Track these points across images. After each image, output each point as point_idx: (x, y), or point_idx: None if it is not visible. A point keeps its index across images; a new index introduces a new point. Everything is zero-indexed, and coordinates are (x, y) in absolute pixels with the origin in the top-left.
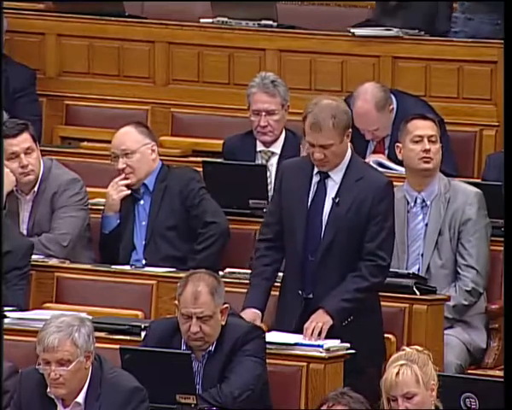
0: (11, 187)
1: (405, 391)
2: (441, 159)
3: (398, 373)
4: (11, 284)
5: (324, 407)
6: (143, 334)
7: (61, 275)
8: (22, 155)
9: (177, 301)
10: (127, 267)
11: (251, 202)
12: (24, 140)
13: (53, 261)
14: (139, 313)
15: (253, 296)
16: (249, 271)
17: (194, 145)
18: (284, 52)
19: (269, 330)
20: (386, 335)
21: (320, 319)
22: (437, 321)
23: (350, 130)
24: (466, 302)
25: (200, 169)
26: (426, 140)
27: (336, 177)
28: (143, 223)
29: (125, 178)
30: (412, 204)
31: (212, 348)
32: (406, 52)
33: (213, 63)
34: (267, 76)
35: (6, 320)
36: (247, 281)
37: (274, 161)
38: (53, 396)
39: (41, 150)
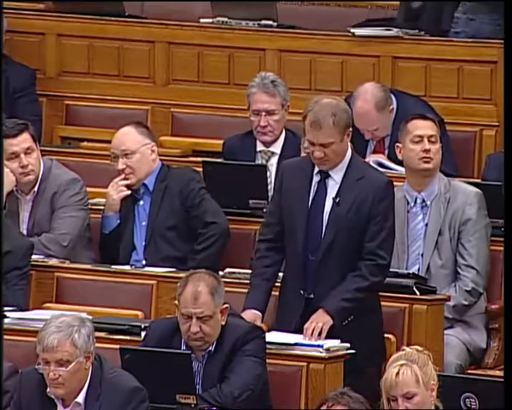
0: (11, 187)
1: (405, 391)
2: (441, 159)
3: (398, 373)
4: (11, 284)
5: (324, 407)
6: (143, 334)
7: (61, 275)
8: (22, 155)
9: (177, 301)
10: (127, 267)
11: (251, 202)
12: (24, 140)
13: (53, 261)
14: (139, 313)
15: (254, 297)
16: (249, 271)
17: (194, 145)
18: (284, 52)
19: (269, 330)
20: (386, 335)
21: (320, 319)
22: (437, 321)
23: (350, 129)
24: (466, 302)
25: (200, 169)
26: (426, 140)
27: (337, 176)
28: (143, 223)
29: (125, 179)
30: (412, 204)
31: (212, 348)
32: (406, 52)
33: (213, 63)
34: (267, 76)
35: (6, 320)
36: (247, 281)
37: (274, 161)
38: (53, 396)
39: (41, 150)
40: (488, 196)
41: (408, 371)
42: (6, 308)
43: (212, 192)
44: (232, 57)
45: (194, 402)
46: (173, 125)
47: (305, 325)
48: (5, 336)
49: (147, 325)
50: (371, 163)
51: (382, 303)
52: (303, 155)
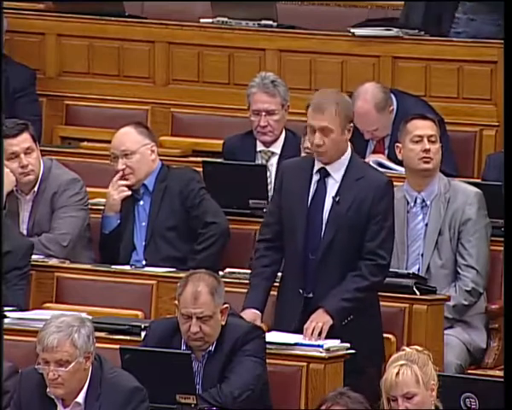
0: (11, 187)
1: (405, 391)
2: (441, 159)
3: (398, 373)
4: (11, 284)
5: (323, 407)
6: (143, 334)
7: (61, 275)
8: (22, 155)
9: (177, 301)
10: (127, 267)
11: (251, 202)
12: (24, 140)
13: (53, 261)
14: (139, 313)
15: (253, 297)
16: (249, 271)
17: (194, 145)
18: (284, 52)
19: (269, 330)
20: (386, 335)
21: (320, 319)
22: (437, 321)
23: (351, 125)
24: (466, 302)
25: (200, 169)
26: (426, 140)
27: (336, 175)
28: (143, 223)
29: (125, 179)
30: (412, 204)
31: (212, 348)
32: (406, 52)
33: (213, 63)
34: (267, 76)
35: (6, 320)
36: (247, 281)
37: (274, 161)
38: (53, 396)
39: (41, 150)
40: (488, 196)
41: (408, 371)
42: (6, 308)
43: (212, 192)
44: (232, 57)
45: (194, 402)
46: (173, 125)
47: (305, 325)
48: (5, 336)
49: (147, 325)
50: (371, 163)
51: (382, 303)
52: (303, 155)
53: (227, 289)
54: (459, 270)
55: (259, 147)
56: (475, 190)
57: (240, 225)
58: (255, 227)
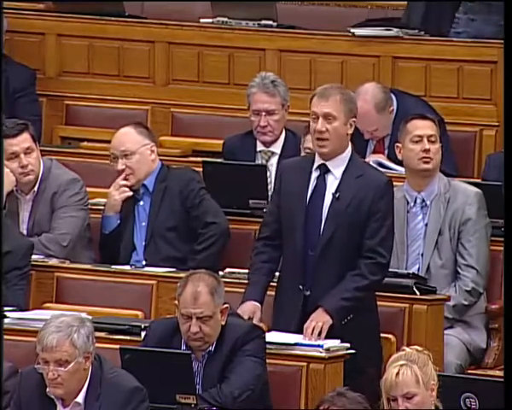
0: (11, 187)
1: (405, 391)
2: (441, 159)
3: (398, 373)
4: (11, 284)
5: (321, 408)
6: (143, 334)
7: (61, 275)
8: (22, 155)
9: (176, 302)
10: (127, 267)
11: (251, 202)
12: (24, 140)
13: (53, 261)
14: (139, 313)
15: (253, 290)
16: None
17: (194, 145)
18: (284, 52)
19: (269, 330)
20: (386, 335)
21: (320, 319)
22: (437, 321)
23: (354, 119)
24: (466, 302)
25: (200, 169)
26: (425, 140)
27: (337, 172)
28: (143, 223)
29: (125, 179)
30: (412, 204)
31: (212, 349)
32: (406, 52)
33: (213, 63)
34: (267, 76)
35: (6, 320)
36: (247, 281)
37: (274, 161)
38: (52, 396)
39: (41, 150)
40: (488, 196)
41: (408, 371)
42: (6, 308)
43: (212, 192)
44: (232, 57)
45: (194, 402)
46: (173, 125)
47: (305, 325)
48: (5, 336)
49: (147, 325)
50: (371, 163)
51: (382, 303)
52: (303, 154)
53: (227, 289)
54: (459, 270)
55: (259, 147)
56: (475, 190)
57: (240, 225)
58: (255, 227)
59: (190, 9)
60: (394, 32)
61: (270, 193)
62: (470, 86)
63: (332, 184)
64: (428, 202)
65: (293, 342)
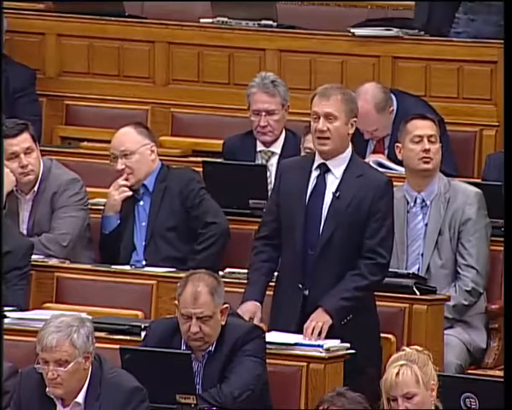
0: (11, 187)
1: (405, 391)
2: (441, 159)
3: (398, 373)
4: (11, 284)
5: (320, 408)
6: (143, 334)
7: (61, 275)
8: (22, 155)
9: (176, 302)
10: (127, 267)
11: (251, 202)
12: (24, 140)
13: (53, 261)
14: (139, 313)
15: (253, 290)
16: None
17: (194, 145)
18: (284, 52)
19: (269, 331)
20: (386, 335)
21: (320, 319)
22: (437, 321)
23: (355, 119)
24: (466, 302)
25: (200, 169)
26: (425, 140)
27: (337, 171)
28: (143, 223)
29: (125, 179)
30: (412, 204)
31: (212, 349)
32: (406, 52)
33: (213, 63)
34: (267, 76)
35: (6, 320)
36: (247, 280)
37: (274, 161)
38: (52, 396)
39: (41, 150)
40: (488, 196)
41: (408, 371)
42: (6, 308)
43: (212, 192)
44: (232, 57)
45: (194, 402)
46: (173, 125)
47: (305, 325)
48: (5, 336)
49: (147, 325)
50: (371, 163)
51: (382, 303)
52: (303, 154)
53: (227, 289)
54: (459, 270)
55: (259, 147)
56: (475, 190)
57: (240, 225)
58: (255, 227)
59: (190, 9)
60: (394, 32)
61: (270, 193)
62: (470, 86)
63: (332, 183)
64: (428, 202)
65: (293, 342)
